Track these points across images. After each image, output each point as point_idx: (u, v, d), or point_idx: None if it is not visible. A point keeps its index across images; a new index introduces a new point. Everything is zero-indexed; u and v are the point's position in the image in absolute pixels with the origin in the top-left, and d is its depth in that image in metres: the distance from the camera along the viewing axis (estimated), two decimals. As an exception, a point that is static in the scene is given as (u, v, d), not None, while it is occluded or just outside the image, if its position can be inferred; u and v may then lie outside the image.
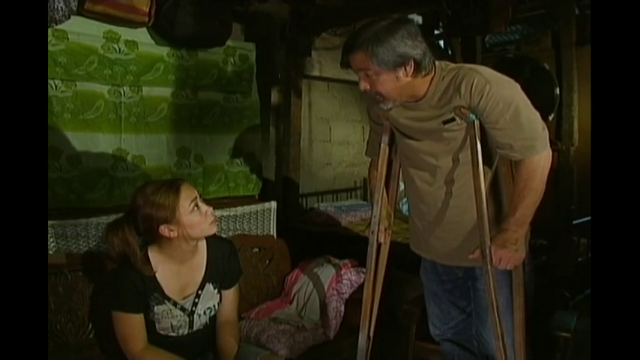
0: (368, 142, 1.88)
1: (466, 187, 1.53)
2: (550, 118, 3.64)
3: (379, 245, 1.75)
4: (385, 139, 1.70)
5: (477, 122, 1.45)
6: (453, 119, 1.50)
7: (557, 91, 3.67)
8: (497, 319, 1.48)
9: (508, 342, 1.53)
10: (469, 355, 1.82)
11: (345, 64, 1.51)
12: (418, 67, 1.45)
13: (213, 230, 1.60)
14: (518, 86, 1.47)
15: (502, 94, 1.42)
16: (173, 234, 1.53)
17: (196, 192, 1.59)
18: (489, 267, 1.46)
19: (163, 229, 1.52)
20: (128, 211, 1.57)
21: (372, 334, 1.75)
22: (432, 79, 1.51)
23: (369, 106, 1.75)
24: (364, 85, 1.50)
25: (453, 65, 1.54)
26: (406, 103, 1.55)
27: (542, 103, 3.92)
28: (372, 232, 1.73)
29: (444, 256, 1.66)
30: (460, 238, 1.60)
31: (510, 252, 1.46)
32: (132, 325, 1.55)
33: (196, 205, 1.55)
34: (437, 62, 1.53)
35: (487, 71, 1.48)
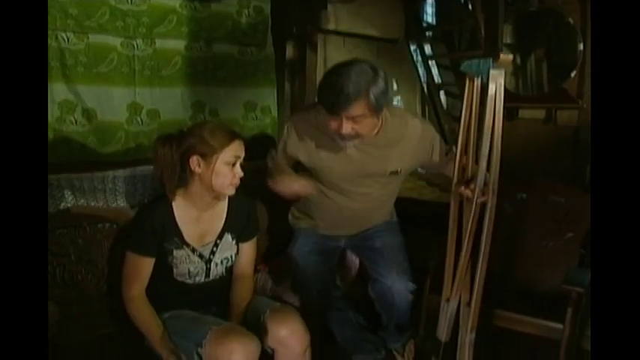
0: (279, 151, 1.97)
1: (381, 199, 1.95)
2: (572, 75, 3.52)
3: None
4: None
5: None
6: (397, 171, 1.84)
7: (581, 47, 3.53)
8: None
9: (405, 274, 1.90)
10: None
11: (334, 112, 1.62)
12: None
13: (230, 192, 1.63)
14: None
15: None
16: (198, 169, 1.56)
17: (244, 153, 1.62)
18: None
19: (193, 160, 1.56)
20: (182, 132, 1.61)
21: None
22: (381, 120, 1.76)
23: (296, 135, 1.87)
24: (348, 129, 1.63)
25: (394, 111, 1.84)
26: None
27: (564, 59, 3.82)
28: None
29: (355, 228, 2.02)
30: (368, 215, 2.00)
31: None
32: (137, 267, 1.60)
33: (234, 163, 1.59)
34: None
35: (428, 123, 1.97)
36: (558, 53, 3.63)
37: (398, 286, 1.88)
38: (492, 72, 1.43)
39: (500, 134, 1.48)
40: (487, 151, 1.48)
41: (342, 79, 1.58)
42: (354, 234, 2.04)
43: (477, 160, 1.55)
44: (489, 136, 1.47)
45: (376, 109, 1.62)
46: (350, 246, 2.10)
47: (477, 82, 1.52)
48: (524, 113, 3.65)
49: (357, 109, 1.59)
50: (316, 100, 1.71)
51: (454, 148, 1.71)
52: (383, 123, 1.77)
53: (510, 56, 1.43)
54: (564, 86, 3.46)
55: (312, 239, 2.02)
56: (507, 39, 3.71)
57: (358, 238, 2.04)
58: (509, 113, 3.66)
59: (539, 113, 3.57)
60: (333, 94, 1.58)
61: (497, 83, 1.44)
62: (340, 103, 1.58)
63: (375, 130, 1.75)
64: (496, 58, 1.41)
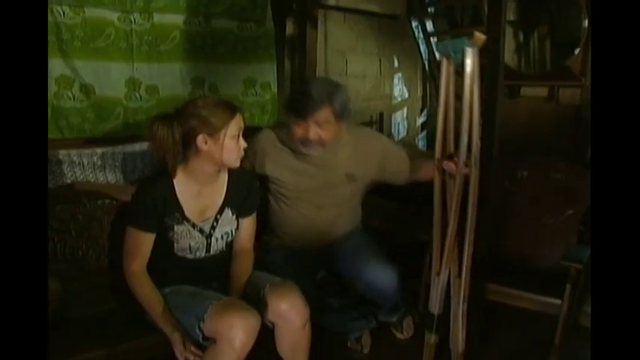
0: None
1: (346, 206, 2.07)
2: (575, 52, 3.48)
3: None
4: None
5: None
6: (353, 175, 1.98)
7: (586, 23, 3.48)
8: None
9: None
10: None
11: (304, 117, 1.80)
12: None
13: (237, 164, 1.64)
14: None
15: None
16: (206, 147, 1.56)
17: (244, 124, 1.63)
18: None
19: (200, 139, 1.55)
20: (178, 112, 1.58)
21: None
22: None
23: (262, 152, 1.98)
24: (314, 134, 1.81)
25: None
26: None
27: (568, 37, 3.77)
28: None
29: (325, 239, 2.05)
30: (335, 225, 2.07)
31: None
32: (137, 242, 1.60)
33: (239, 135, 1.60)
34: None
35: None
36: (562, 30, 3.58)
37: (380, 273, 1.92)
38: (467, 50, 1.48)
39: (479, 109, 1.53)
40: (467, 125, 1.53)
41: (309, 87, 1.83)
42: (324, 246, 2.06)
43: (457, 136, 1.59)
44: (468, 111, 1.52)
45: (340, 115, 1.83)
46: (324, 258, 2.09)
47: (453, 60, 1.59)
48: (527, 91, 3.62)
49: (324, 113, 1.79)
50: (285, 111, 1.91)
51: (430, 152, 1.78)
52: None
53: (483, 35, 1.46)
54: (567, 64, 3.42)
55: (284, 251, 2.05)
56: (510, 16, 3.65)
57: (329, 248, 2.06)
58: (511, 91, 3.63)
59: (542, 91, 3.54)
60: (302, 100, 1.80)
61: (472, 61, 1.49)
62: (308, 108, 1.78)
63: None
64: (470, 36, 1.46)
